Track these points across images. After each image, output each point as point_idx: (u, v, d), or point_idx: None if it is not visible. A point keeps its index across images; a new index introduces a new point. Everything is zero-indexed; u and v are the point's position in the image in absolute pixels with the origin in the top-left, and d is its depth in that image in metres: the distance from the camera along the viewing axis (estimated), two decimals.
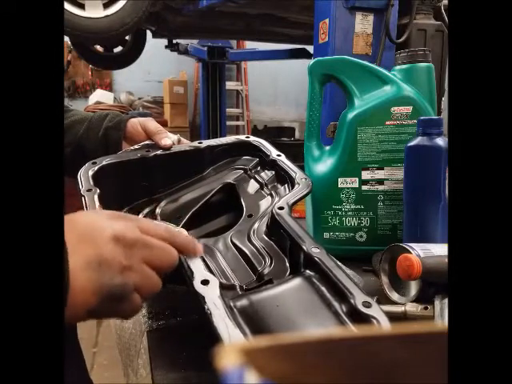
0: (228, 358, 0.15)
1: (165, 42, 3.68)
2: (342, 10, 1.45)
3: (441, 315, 0.52)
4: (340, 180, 0.77)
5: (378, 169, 0.76)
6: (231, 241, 0.58)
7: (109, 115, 0.74)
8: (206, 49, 3.69)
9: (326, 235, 0.79)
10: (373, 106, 0.75)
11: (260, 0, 2.50)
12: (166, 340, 0.52)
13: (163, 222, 0.61)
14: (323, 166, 0.79)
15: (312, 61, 0.79)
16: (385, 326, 0.39)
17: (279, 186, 0.67)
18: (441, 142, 0.64)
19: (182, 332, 0.53)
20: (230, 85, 5.02)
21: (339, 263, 0.47)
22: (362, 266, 0.73)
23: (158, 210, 0.66)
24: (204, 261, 0.48)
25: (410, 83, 0.75)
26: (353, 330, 0.41)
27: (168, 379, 0.45)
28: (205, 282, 0.42)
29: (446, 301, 0.53)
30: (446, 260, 0.53)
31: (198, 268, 0.44)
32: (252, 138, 0.73)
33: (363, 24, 1.47)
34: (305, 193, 0.61)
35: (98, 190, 0.56)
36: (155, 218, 0.64)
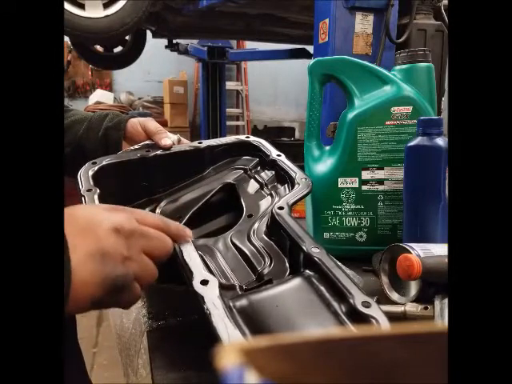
0: (228, 358, 0.15)
1: (165, 41, 3.69)
2: (342, 10, 1.46)
3: (441, 315, 0.52)
4: (340, 180, 0.77)
5: (378, 169, 0.76)
6: (231, 241, 0.58)
7: (109, 115, 0.74)
8: (205, 49, 3.69)
9: (326, 235, 0.79)
10: (373, 105, 0.75)
11: (260, 0, 2.50)
12: (166, 340, 0.52)
13: None
14: (323, 165, 0.79)
15: (312, 61, 0.79)
16: (384, 325, 0.39)
17: (279, 185, 0.67)
18: (441, 142, 0.64)
19: (182, 332, 0.53)
20: (230, 85, 5.03)
21: (339, 263, 0.47)
22: (362, 266, 0.73)
23: (158, 210, 0.66)
24: (204, 261, 0.48)
25: (410, 83, 0.75)
26: (352, 330, 0.41)
27: (168, 379, 0.45)
28: (204, 282, 0.42)
29: (445, 301, 0.53)
30: (446, 260, 0.53)
31: (197, 268, 0.44)
32: (252, 138, 0.73)
33: (363, 24, 1.47)
34: (305, 193, 0.61)
35: (98, 190, 0.56)
36: None
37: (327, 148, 0.80)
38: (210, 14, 2.73)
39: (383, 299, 0.59)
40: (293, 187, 0.62)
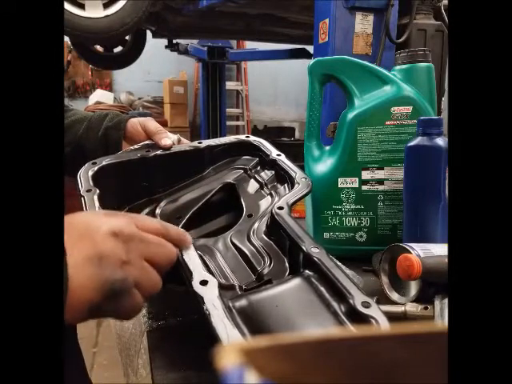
0: (228, 358, 0.15)
1: (165, 41, 3.69)
2: (342, 10, 1.46)
3: (441, 315, 0.52)
4: (340, 180, 0.77)
5: (378, 169, 0.76)
6: (231, 241, 0.58)
7: (109, 115, 0.74)
8: (205, 49, 3.69)
9: (326, 235, 0.79)
10: (373, 105, 0.75)
11: (260, 0, 2.50)
12: (166, 340, 0.52)
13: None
14: (323, 166, 0.79)
15: (312, 61, 0.79)
16: (384, 326, 0.39)
17: (279, 185, 0.67)
18: (441, 142, 0.64)
19: (182, 332, 0.53)
20: (230, 85, 5.02)
21: (339, 263, 0.47)
22: (362, 266, 0.73)
23: (157, 210, 0.66)
24: (203, 261, 0.48)
25: (410, 83, 0.75)
26: (352, 330, 0.41)
27: (168, 379, 0.45)
28: (204, 283, 0.42)
29: (445, 301, 0.53)
30: (446, 260, 0.53)
31: (197, 268, 0.44)
32: (252, 138, 0.73)
33: (363, 24, 1.47)
34: (304, 193, 0.61)
35: (98, 191, 0.56)
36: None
37: (327, 148, 0.80)
38: (210, 14, 2.73)
39: (383, 299, 0.59)
40: (293, 187, 0.62)
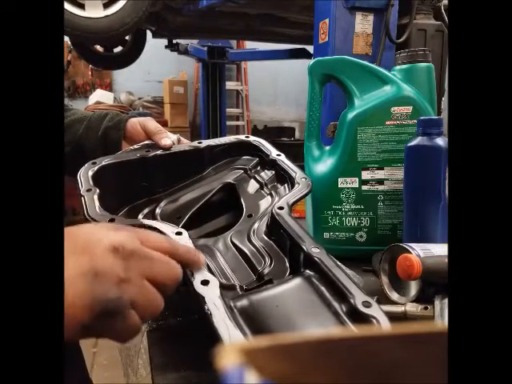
0: (228, 358, 0.15)
1: (165, 41, 3.68)
2: (342, 10, 1.45)
3: (441, 315, 0.52)
4: (340, 180, 0.77)
5: (378, 169, 0.76)
6: (231, 241, 0.58)
7: (108, 115, 0.74)
8: (205, 49, 3.69)
9: (326, 235, 0.79)
10: (373, 105, 0.75)
11: (260, 0, 2.50)
12: (166, 340, 0.52)
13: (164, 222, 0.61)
14: (323, 165, 0.79)
15: (312, 61, 0.79)
16: (385, 325, 0.39)
17: (279, 185, 0.67)
18: (441, 142, 0.64)
19: (182, 332, 0.53)
20: (230, 85, 5.02)
21: (339, 263, 0.47)
22: (362, 266, 0.73)
23: (157, 210, 0.66)
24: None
25: (410, 83, 0.75)
26: (353, 329, 0.41)
27: (168, 379, 0.45)
28: (205, 283, 0.42)
29: (446, 301, 0.53)
30: (446, 260, 0.53)
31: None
32: (252, 138, 0.73)
33: (363, 24, 1.47)
34: (305, 192, 0.61)
35: (98, 190, 0.56)
36: (155, 218, 0.64)
37: (327, 148, 0.80)
38: (210, 14, 2.73)
39: (383, 299, 0.59)
40: (293, 187, 0.62)
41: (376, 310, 0.40)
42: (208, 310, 0.39)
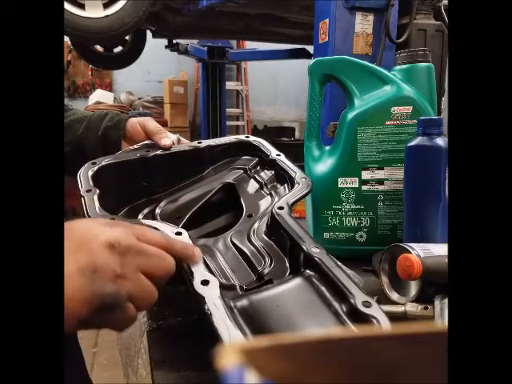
0: (228, 358, 0.15)
1: (165, 41, 3.69)
2: (342, 10, 1.45)
3: (441, 315, 0.52)
4: (340, 180, 0.77)
5: (378, 169, 0.76)
6: (231, 241, 0.58)
7: (108, 115, 0.74)
8: (205, 49, 3.69)
9: (326, 235, 0.79)
10: (373, 105, 0.75)
11: (260, 0, 2.50)
12: (166, 340, 0.52)
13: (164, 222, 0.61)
14: (323, 165, 0.79)
15: (312, 61, 0.79)
16: (385, 325, 0.39)
17: (279, 185, 0.67)
18: (441, 142, 0.64)
19: (182, 332, 0.53)
20: (230, 85, 5.02)
21: (339, 263, 0.47)
22: (362, 266, 0.73)
23: (157, 210, 0.66)
24: (204, 261, 0.48)
25: (410, 83, 0.75)
26: (353, 329, 0.41)
27: (168, 379, 0.45)
28: (205, 283, 0.42)
29: (445, 301, 0.53)
30: (446, 260, 0.53)
31: (197, 268, 0.44)
32: (252, 138, 0.73)
33: (363, 24, 1.47)
34: (304, 192, 0.61)
35: (98, 191, 0.56)
36: (155, 219, 0.64)
37: (327, 148, 0.80)
38: (210, 14, 2.73)
39: (383, 299, 0.59)
40: (292, 187, 0.62)
41: (376, 310, 0.40)
42: (208, 309, 0.39)
